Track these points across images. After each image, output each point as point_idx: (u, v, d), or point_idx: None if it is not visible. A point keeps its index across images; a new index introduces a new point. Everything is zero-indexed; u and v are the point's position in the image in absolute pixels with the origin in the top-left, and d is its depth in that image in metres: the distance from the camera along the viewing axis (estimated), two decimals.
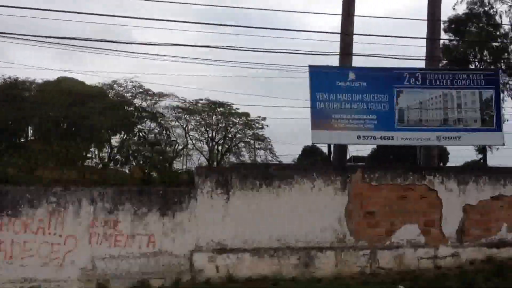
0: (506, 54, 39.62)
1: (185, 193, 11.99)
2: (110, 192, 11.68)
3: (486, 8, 39.61)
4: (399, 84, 14.79)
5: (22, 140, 34.34)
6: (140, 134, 38.70)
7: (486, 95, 15.03)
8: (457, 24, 39.71)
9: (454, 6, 40.25)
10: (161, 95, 41.07)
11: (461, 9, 41.61)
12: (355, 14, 18.08)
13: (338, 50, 18.24)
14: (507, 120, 37.98)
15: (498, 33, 39.52)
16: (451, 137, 14.75)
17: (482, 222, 13.93)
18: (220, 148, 46.07)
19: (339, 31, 18.13)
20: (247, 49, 21.19)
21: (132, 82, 39.55)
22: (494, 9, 39.71)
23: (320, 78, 14.52)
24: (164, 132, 39.80)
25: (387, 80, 14.75)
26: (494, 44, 38.91)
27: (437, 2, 18.92)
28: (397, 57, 16.95)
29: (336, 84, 14.54)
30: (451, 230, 13.65)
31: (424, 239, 13.42)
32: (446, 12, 45.85)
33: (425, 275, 12.62)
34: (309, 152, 47.07)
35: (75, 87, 36.96)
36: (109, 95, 39.08)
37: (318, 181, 12.86)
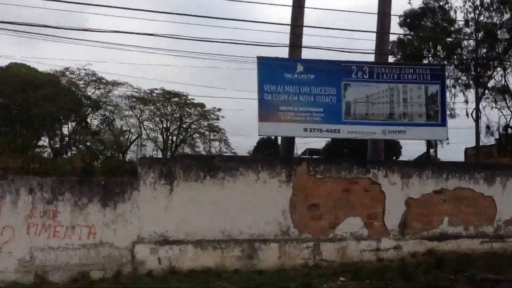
0: (459, 49, 40.42)
1: (127, 184, 11.99)
2: (49, 182, 11.58)
3: (441, 3, 40.28)
4: (347, 77, 14.99)
5: None
6: (83, 123, 38.37)
7: (432, 90, 15.37)
8: (412, 18, 40.31)
9: (409, 0, 40.99)
10: (114, 84, 40.81)
11: (417, 3, 42.25)
12: (306, 5, 18.21)
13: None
14: (458, 115, 39.35)
15: (452, 28, 40.29)
16: (396, 131, 15.04)
17: (424, 215, 14.41)
18: (174, 138, 46.04)
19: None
20: (188, 38, 21.00)
21: (85, 69, 39.21)
22: (449, 4, 40.48)
23: (268, 69, 14.59)
24: (107, 121, 39.47)
25: (335, 73, 14.93)
26: (448, 39, 39.69)
27: None
28: (346, 50, 17.04)
29: (284, 76, 14.63)
30: (393, 223, 14.07)
31: (367, 231, 13.78)
32: (402, 6, 46.62)
33: (367, 267, 12.97)
34: (264, 145, 47.30)
35: (27, 73, 36.46)
36: (62, 82, 38.63)
37: (263, 173, 13.02)
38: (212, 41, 16.96)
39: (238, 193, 12.75)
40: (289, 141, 17.24)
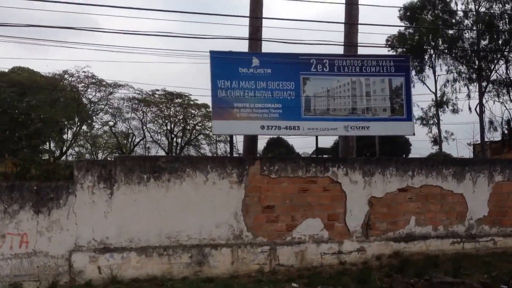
0: (460, 42, 40.05)
1: (62, 189, 11.54)
2: None
3: None
4: (306, 71, 14.72)
5: None
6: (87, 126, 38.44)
7: (396, 82, 15.12)
8: (412, 11, 40.05)
9: None
10: (115, 86, 40.55)
11: None
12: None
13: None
14: (462, 110, 39.18)
15: (454, 20, 39.96)
16: (359, 127, 14.73)
17: (389, 215, 14.08)
18: (179, 140, 45.63)
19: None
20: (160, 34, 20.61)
21: (84, 72, 38.93)
22: None
23: (222, 64, 14.32)
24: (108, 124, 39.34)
25: (293, 66, 14.66)
26: (450, 32, 39.38)
27: None
28: (309, 42, 16.59)
29: (239, 70, 14.35)
30: (356, 224, 13.74)
31: (328, 233, 13.44)
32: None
33: (327, 272, 12.66)
34: (274, 144, 46.84)
35: (27, 77, 36.47)
36: (63, 85, 38.46)
37: (212, 174, 12.63)
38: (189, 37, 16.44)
39: (185, 196, 12.38)
40: (251, 140, 16.86)
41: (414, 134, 15.17)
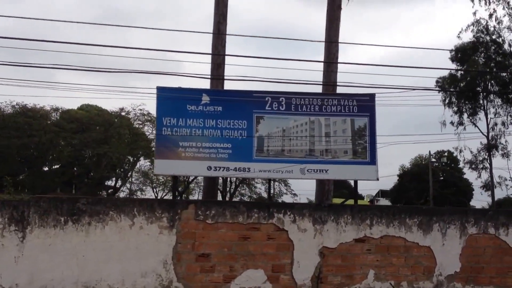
0: None
1: None
2: None
3: (493, 37, 39.46)
4: (260, 109, 14.38)
5: None
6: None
7: (359, 123, 14.65)
8: (463, 53, 39.62)
9: (458, 34, 40.35)
10: None
11: (467, 37, 41.83)
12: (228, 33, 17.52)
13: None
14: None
15: (507, 62, 39.43)
16: (317, 170, 14.18)
17: (344, 268, 13.49)
18: (233, 179, 45.29)
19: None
20: None
21: (140, 109, 39.68)
22: (502, 38, 39.66)
23: (168, 101, 14.04)
24: None
25: (246, 104, 14.33)
26: (503, 74, 38.85)
27: (333, 24, 18.61)
28: (285, 81, 16.17)
29: (186, 108, 14.09)
30: (305, 277, 13.20)
31: (272, 286, 12.91)
32: (451, 41, 47.84)
33: None
34: (338, 185, 46.47)
35: (86, 115, 37.75)
36: (118, 122, 39.41)
37: (139, 218, 12.29)
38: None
39: (107, 241, 12.10)
40: (210, 181, 16.46)
41: (377, 179, 14.59)
